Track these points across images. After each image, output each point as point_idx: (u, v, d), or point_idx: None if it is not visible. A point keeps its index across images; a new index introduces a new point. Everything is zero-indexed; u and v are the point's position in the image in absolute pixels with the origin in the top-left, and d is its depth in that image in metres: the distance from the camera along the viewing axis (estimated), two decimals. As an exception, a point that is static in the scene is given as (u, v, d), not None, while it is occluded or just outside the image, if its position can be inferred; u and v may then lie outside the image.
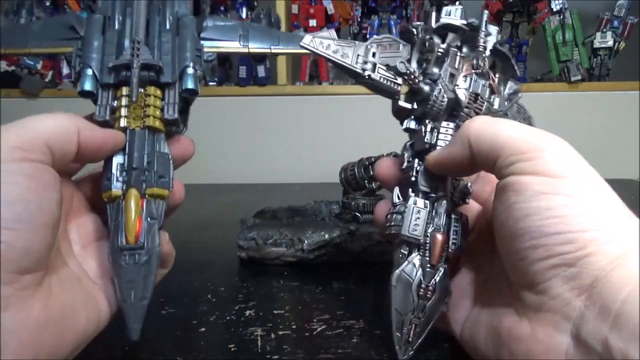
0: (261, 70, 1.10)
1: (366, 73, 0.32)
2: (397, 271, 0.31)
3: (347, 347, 0.32)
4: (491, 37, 0.33)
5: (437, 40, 0.33)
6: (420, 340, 0.30)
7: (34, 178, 0.25)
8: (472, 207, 0.34)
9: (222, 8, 1.13)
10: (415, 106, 0.33)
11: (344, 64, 0.33)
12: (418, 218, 0.31)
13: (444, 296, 0.31)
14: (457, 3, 0.37)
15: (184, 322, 0.36)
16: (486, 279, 0.31)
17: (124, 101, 0.32)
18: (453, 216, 0.31)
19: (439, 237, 0.30)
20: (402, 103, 0.33)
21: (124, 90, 0.32)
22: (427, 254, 0.31)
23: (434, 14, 0.35)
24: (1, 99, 1.08)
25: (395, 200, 0.32)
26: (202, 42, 0.35)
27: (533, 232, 0.24)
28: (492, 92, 0.33)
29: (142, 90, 0.32)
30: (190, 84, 0.33)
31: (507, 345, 0.26)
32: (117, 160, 0.31)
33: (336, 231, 0.47)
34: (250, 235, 0.48)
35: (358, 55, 0.33)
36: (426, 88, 0.32)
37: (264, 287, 0.43)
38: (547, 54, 1.09)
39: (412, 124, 0.33)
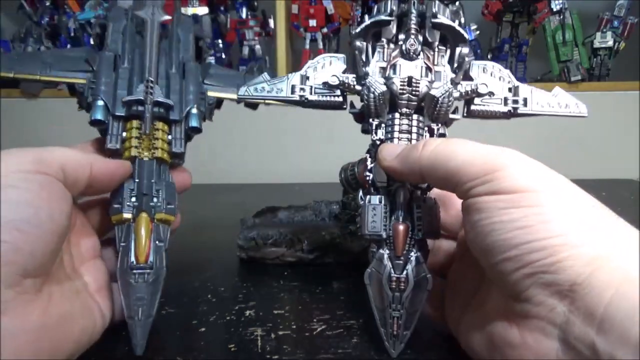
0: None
1: (304, 98, 0.35)
2: (368, 269, 0.31)
3: (347, 347, 0.32)
4: (427, 13, 0.33)
5: (358, 43, 0.33)
6: (409, 332, 0.30)
7: (46, 188, 0.27)
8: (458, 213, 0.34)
9: (222, 8, 1.13)
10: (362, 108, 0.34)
11: (281, 99, 0.35)
12: (375, 214, 0.31)
13: (424, 284, 0.30)
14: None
15: (184, 322, 0.36)
16: (479, 280, 0.31)
17: (134, 133, 0.35)
18: (414, 204, 0.31)
19: (399, 227, 0.31)
20: (350, 110, 0.35)
21: (135, 123, 0.35)
22: (390, 249, 0.31)
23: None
24: (1, 99, 1.08)
25: (359, 202, 0.33)
26: (205, 86, 0.40)
27: (501, 246, 0.24)
28: (429, 69, 0.33)
29: (152, 125, 0.35)
30: (195, 123, 0.37)
31: (500, 351, 0.26)
32: (128, 186, 0.34)
33: (336, 231, 0.47)
34: (250, 235, 0.48)
35: (293, 85, 0.35)
36: (360, 88, 0.33)
37: (264, 287, 0.43)
38: (547, 54, 1.09)
39: (366, 126, 0.34)
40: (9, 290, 0.24)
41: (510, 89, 0.34)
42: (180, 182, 0.36)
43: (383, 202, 0.31)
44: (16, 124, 1.09)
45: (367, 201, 0.32)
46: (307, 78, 0.35)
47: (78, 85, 0.36)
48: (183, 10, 1.11)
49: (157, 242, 0.33)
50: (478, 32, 1.09)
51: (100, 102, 0.35)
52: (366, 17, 0.35)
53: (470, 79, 0.34)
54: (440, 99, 0.31)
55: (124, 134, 0.35)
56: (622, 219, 0.25)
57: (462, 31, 0.33)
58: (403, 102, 0.32)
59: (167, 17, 0.40)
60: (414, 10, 0.33)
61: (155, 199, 0.34)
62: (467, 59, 0.33)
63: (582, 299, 0.22)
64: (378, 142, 0.32)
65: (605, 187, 0.83)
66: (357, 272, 0.46)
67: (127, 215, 0.33)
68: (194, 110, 0.37)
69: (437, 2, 0.34)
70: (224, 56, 1.12)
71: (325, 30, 1.12)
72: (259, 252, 0.47)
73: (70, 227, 0.29)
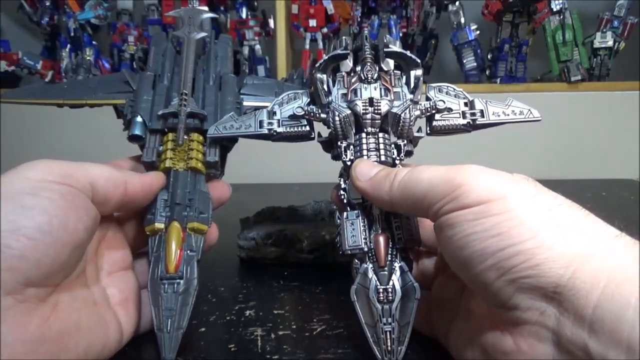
0: (261, 70, 1.10)
1: (272, 131, 0.36)
2: (353, 285, 0.31)
3: (347, 347, 0.32)
4: (380, 45, 0.36)
5: (319, 75, 0.36)
6: (404, 347, 0.30)
7: (65, 198, 0.27)
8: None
9: (222, 8, 1.13)
10: (329, 135, 0.36)
11: (250, 133, 0.37)
12: (353, 229, 0.32)
13: (412, 293, 0.30)
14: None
15: (184, 322, 0.36)
16: (462, 287, 0.31)
17: (169, 145, 0.36)
18: (391, 215, 0.32)
19: (379, 238, 0.31)
20: (318, 139, 0.37)
21: (170, 136, 0.36)
22: (375, 259, 0.31)
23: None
24: (1, 99, 1.08)
25: (337, 222, 0.33)
26: (241, 96, 0.40)
27: (478, 257, 0.24)
28: (388, 90, 0.35)
29: (186, 137, 0.36)
30: None
31: (494, 358, 0.26)
32: (162, 196, 0.34)
33: (336, 231, 0.47)
34: (250, 235, 0.48)
35: (260, 120, 0.37)
36: (325, 116, 0.35)
37: (264, 287, 0.43)
38: (547, 54, 1.09)
39: (335, 151, 0.35)
40: (9, 297, 0.23)
41: (466, 104, 0.37)
42: (217, 195, 0.36)
43: (360, 216, 0.32)
44: (16, 124, 1.09)
45: (344, 217, 0.32)
46: (274, 113, 0.37)
47: (119, 106, 0.38)
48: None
49: (188, 251, 0.32)
50: (478, 32, 1.09)
51: (139, 119, 0.36)
52: (324, 55, 0.38)
53: (429, 99, 0.37)
54: (401, 115, 0.33)
55: (161, 147, 0.36)
56: (613, 218, 0.25)
57: (413, 57, 0.36)
58: (367, 121, 0.34)
59: (204, 34, 0.42)
60: (367, 43, 0.37)
61: (188, 209, 0.33)
62: (421, 79, 0.36)
63: (568, 300, 0.22)
64: (349, 162, 0.34)
65: (605, 187, 0.83)
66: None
67: (159, 225, 0.33)
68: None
69: (387, 35, 0.38)
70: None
71: (325, 30, 1.12)
72: (259, 252, 0.48)
73: (88, 239, 0.28)
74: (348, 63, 0.36)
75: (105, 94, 0.39)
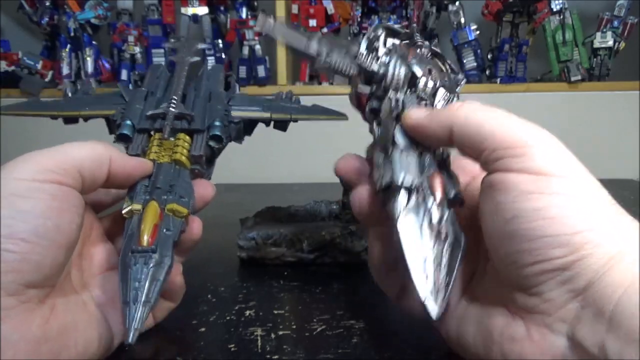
0: (261, 70, 1.10)
1: (321, 57, 0.35)
2: (402, 214, 0.27)
3: (347, 347, 0.32)
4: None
5: (380, 31, 0.35)
6: (448, 294, 0.26)
7: (57, 199, 0.26)
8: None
9: (222, 8, 1.13)
10: (373, 89, 0.34)
11: (298, 47, 0.35)
12: (408, 162, 0.29)
13: (459, 242, 0.28)
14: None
15: (184, 322, 0.36)
16: (472, 273, 0.30)
17: (155, 142, 0.36)
18: (442, 167, 0.30)
19: (437, 175, 0.29)
20: (361, 86, 0.34)
21: (157, 135, 0.36)
22: (426, 198, 0.28)
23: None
24: (1, 99, 1.08)
25: (379, 161, 0.30)
26: (230, 106, 0.40)
27: (522, 235, 0.23)
28: (441, 70, 0.34)
29: (172, 139, 0.36)
30: (216, 131, 0.37)
31: (499, 345, 0.25)
32: (142, 183, 0.33)
33: (336, 231, 0.47)
34: (250, 235, 0.48)
35: (312, 41, 0.35)
36: (376, 67, 0.33)
37: (264, 287, 0.43)
38: (547, 54, 1.09)
39: (375, 104, 0.33)
40: (11, 298, 0.24)
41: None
42: (200, 192, 0.35)
43: (414, 152, 0.30)
44: (16, 124, 1.09)
45: (398, 149, 0.29)
46: (326, 44, 0.35)
47: (111, 117, 0.39)
48: (183, 10, 1.11)
49: (165, 229, 0.31)
50: (478, 32, 1.09)
51: (128, 122, 0.37)
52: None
53: None
54: (452, 96, 0.32)
55: (147, 147, 0.36)
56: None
57: (453, 66, 0.36)
58: (421, 87, 0.32)
59: (197, 59, 0.44)
60: (417, 34, 0.36)
61: (168, 193, 0.33)
62: (461, 85, 0.35)
63: (592, 296, 0.22)
64: (395, 114, 0.31)
65: (605, 187, 0.83)
66: (357, 272, 0.46)
67: (137, 206, 0.31)
68: (217, 122, 0.38)
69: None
70: (223, 56, 1.12)
71: (325, 30, 1.12)
72: (259, 252, 0.48)
73: (78, 239, 0.28)
74: (395, 42, 0.35)
75: (100, 107, 0.40)
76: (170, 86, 0.40)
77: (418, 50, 0.34)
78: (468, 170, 0.32)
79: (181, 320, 0.36)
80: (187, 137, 0.37)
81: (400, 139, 0.30)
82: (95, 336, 0.29)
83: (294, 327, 0.35)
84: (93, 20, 1.12)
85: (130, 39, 1.12)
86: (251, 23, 1.12)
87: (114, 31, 1.14)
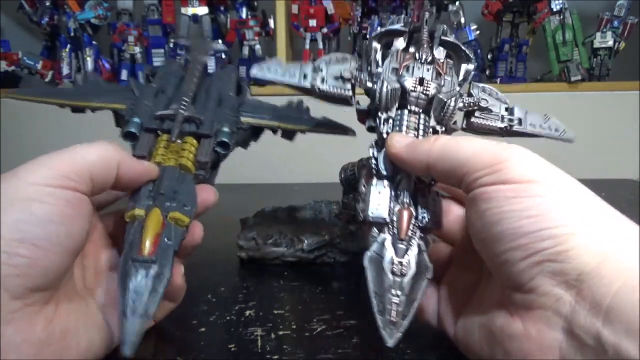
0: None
1: (315, 86, 0.36)
2: (368, 252, 0.30)
3: (347, 347, 0.32)
4: (437, 32, 0.36)
5: (374, 43, 0.35)
6: (407, 322, 0.29)
7: (71, 205, 0.27)
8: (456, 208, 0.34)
9: (222, 8, 1.13)
10: (369, 106, 0.35)
11: (293, 84, 0.36)
12: (380, 197, 0.31)
13: (424, 271, 0.30)
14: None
15: (184, 322, 0.36)
16: (477, 280, 0.31)
17: (162, 144, 0.36)
18: (418, 194, 0.32)
19: (404, 212, 0.30)
20: (357, 106, 0.36)
21: (164, 136, 0.36)
22: (395, 231, 0.30)
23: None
24: (1, 99, 1.08)
25: (362, 189, 0.33)
26: (241, 112, 0.40)
27: (510, 234, 0.24)
28: (439, 74, 0.34)
29: (180, 142, 0.36)
30: (224, 137, 0.37)
31: (501, 344, 0.26)
32: (146, 187, 0.33)
33: (336, 231, 0.47)
34: (250, 235, 0.48)
35: (305, 73, 0.36)
36: (370, 85, 0.34)
37: (264, 287, 0.43)
38: (547, 54, 1.09)
39: (372, 122, 0.34)
40: (16, 301, 0.24)
41: (506, 109, 0.37)
42: (202, 197, 0.35)
43: (388, 187, 0.32)
44: (16, 124, 1.09)
45: (373, 184, 0.32)
46: (320, 69, 0.36)
47: (120, 111, 0.38)
48: (183, 10, 1.11)
49: (166, 239, 0.30)
50: (478, 32, 1.09)
51: (136, 119, 0.36)
52: (380, 28, 0.37)
53: (471, 96, 0.37)
54: (447, 102, 0.33)
55: (153, 148, 0.36)
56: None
57: (467, 51, 0.36)
58: (413, 99, 0.33)
59: (211, 59, 0.44)
60: (426, 26, 0.36)
61: (172, 200, 0.32)
62: (472, 74, 0.36)
63: (589, 288, 0.22)
64: (385, 135, 0.33)
65: (605, 187, 0.82)
66: (357, 272, 0.46)
67: (139, 211, 0.31)
68: (226, 129, 0.38)
69: (444, 25, 0.37)
70: (223, 56, 1.12)
71: (325, 30, 1.12)
72: (259, 252, 0.48)
73: (85, 244, 0.29)
74: (402, 41, 0.36)
75: (110, 99, 0.39)
76: (181, 85, 0.40)
77: (418, 53, 0.35)
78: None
79: (181, 320, 0.36)
80: (195, 141, 0.37)
81: (382, 165, 0.32)
82: (97, 336, 0.29)
83: (294, 327, 0.35)
84: (93, 20, 1.13)
85: (130, 39, 1.12)
86: (251, 23, 1.12)
87: (114, 31, 1.14)
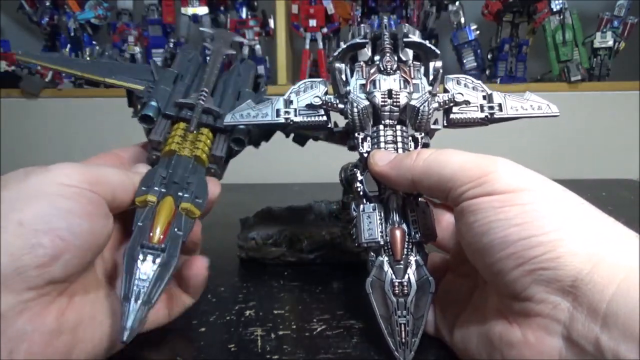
0: (261, 70, 1.10)
1: (289, 120, 0.36)
2: (369, 278, 0.31)
3: (347, 347, 0.32)
4: (399, 34, 0.36)
5: (337, 64, 0.35)
6: (417, 339, 0.30)
7: (93, 204, 0.27)
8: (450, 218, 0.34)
9: (222, 8, 1.13)
10: (346, 126, 0.35)
11: (267, 122, 0.36)
12: (370, 222, 0.31)
13: (427, 287, 0.30)
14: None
15: (184, 322, 0.36)
16: (473, 287, 0.31)
17: (179, 132, 0.36)
18: (408, 208, 0.32)
19: (396, 232, 0.31)
20: (335, 129, 0.36)
21: (182, 125, 0.36)
22: (391, 252, 0.31)
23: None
24: (1, 99, 1.08)
25: (353, 214, 0.33)
26: None
27: (499, 244, 0.24)
28: (407, 81, 0.34)
29: (195, 132, 0.36)
30: (240, 134, 0.37)
31: (500, 352, 0.26)
32: (160, 173, 0.33)
33: (336, 231, 0.47)
34: (250, 235, 0.48)
35: (277, 109, 0.36)
36: (342, 107, 0.34)
37: (264, 287, 0.43)
38: (547, 54, 1.09)
39: (352, 142, 0.35)
40: (31, 291, 0.24)
41: (484, 97, 0.36)
42: (210, 191, 0.35)
43: (377, 209, 0.32)
44: (16, 124, 1.09)
45: (361, 210, 0.32)
46: (291, 102, 0.36)
47: (136, 92, 0.38)
48: (183, 10, 1.11)
49: (176, 229, 0.30)
50: (478, 32, 1.09)
51: (154, 103, 0.36)
52: (342, 43, 0.37)
53: (447, 91, 0.36)
54: (420, 108, 0.33)
55: (169, 134, 0.36)
56: (613, 218, 0.25)
57: (432, 47, 0.35)
58: (385, 113, 0.33)
59: (232, 52, 0.44)
60: (386, 32, 0.36)
61: (184, 190, 0.32)
62: (440, 71, 0.35)
63: (584, 295, 0.22)
64: (365, 154, 0.33)
65: (605, 187, 0.83)
66: (357, 272, 0.46)
67: (152, 197, 0.31)
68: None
69: (406, 24, 0.37)
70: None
71: (325, 30, 1.12)
72: (259, 252, 0.48)
73: (106, 245, 0.29)
74: (366, 52, 0.36)
75: (128, 77, 0.39)
76: (201, 74, 0.40)
77: (382, 64, 0.34)
78: None
79: (181, 320, 0.36)
80: (210, 134, 0.37)
81: (367, 186, 0.32)
82: (113, 328, 0.29)
83: (294, 327, 0.35)
84: (93, 20, 1.13)
85: (130, 39, 1.12)
86: (251, 23, 1.12)
87: (114, 31, 1.14)
